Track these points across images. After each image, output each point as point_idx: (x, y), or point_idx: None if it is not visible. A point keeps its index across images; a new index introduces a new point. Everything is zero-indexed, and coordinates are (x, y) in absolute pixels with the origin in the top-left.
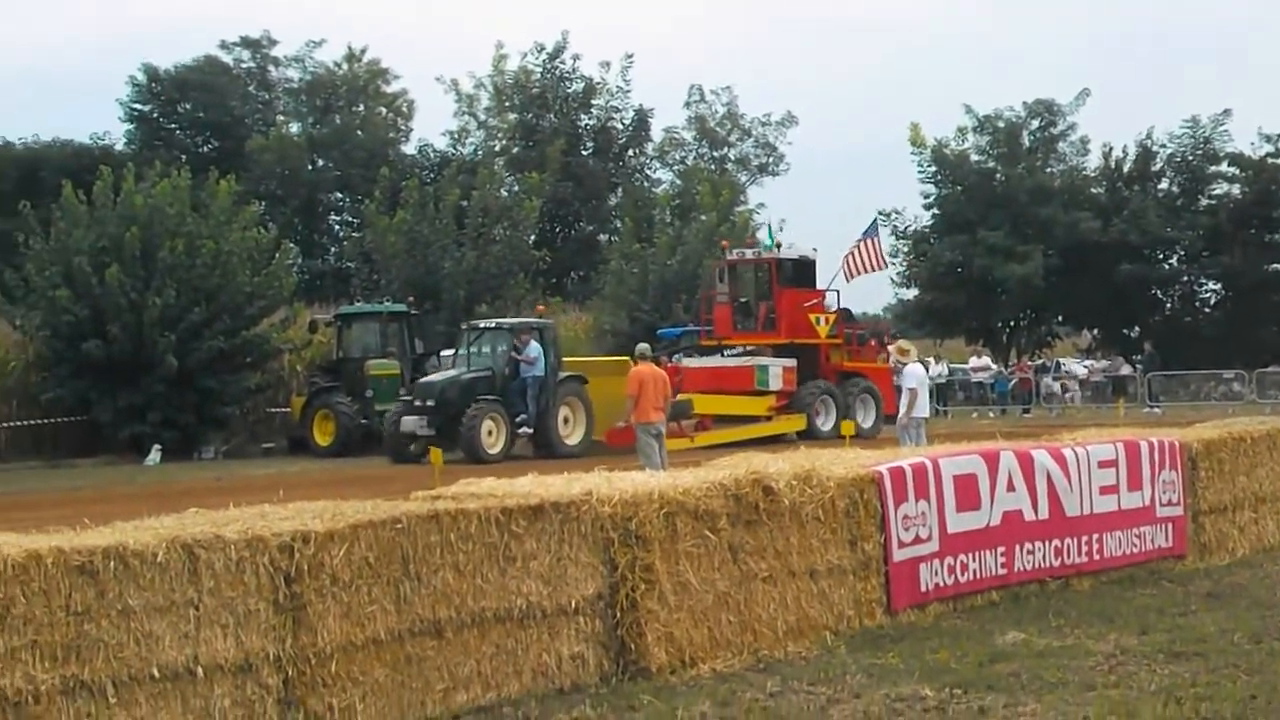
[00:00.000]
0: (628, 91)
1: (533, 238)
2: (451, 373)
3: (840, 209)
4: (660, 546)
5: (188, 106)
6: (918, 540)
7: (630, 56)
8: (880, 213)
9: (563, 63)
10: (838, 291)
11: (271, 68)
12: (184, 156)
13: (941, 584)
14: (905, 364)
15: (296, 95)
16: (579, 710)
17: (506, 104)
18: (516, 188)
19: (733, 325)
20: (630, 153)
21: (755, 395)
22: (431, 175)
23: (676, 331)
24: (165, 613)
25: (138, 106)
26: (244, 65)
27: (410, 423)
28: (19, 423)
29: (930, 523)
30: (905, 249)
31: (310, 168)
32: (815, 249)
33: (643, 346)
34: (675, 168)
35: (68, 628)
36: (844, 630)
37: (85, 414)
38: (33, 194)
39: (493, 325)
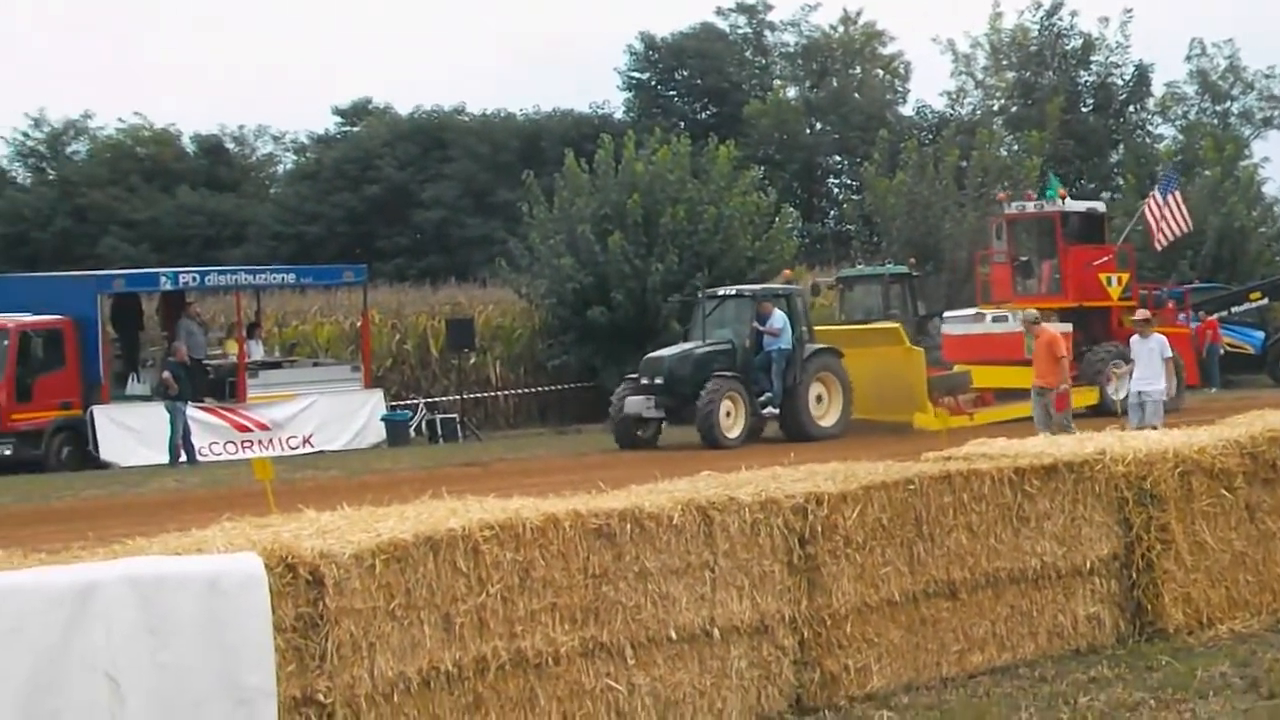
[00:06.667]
0: (1127, 47)
1: None
2: (684, 346)
3: None
4: (1176, 506)
5: (685, 73)
6: None
7: (1129, 11)
8: None
9: (1060, 19)
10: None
11: (767, 32)
12: (682, 123)
13: None
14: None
15: (793, 59)
16: (1096, 670)
17: (1004, 63)
18: (1016, 147)
19: (1013, 287)
20: (1131, 109)
21: (1029, 365)
22: (930, 136)
23: (1178, 292)
24: (681, 575)
25: (635, 75)
26: (740, 31)
27: (635, 403)
28: (527, 390)
29: None
30: None
31: (808, 131)
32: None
33: (1031, 312)
34: (1177, 123)
35: (586, 590)
36: None
37: (591, 380)
38: (535, 164)
39: (734, 293)
